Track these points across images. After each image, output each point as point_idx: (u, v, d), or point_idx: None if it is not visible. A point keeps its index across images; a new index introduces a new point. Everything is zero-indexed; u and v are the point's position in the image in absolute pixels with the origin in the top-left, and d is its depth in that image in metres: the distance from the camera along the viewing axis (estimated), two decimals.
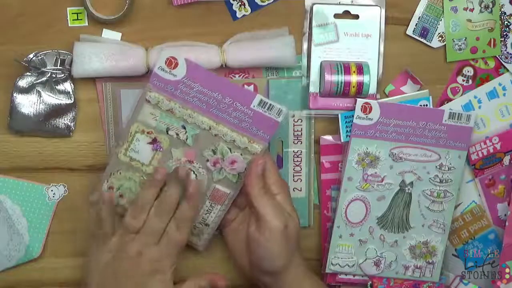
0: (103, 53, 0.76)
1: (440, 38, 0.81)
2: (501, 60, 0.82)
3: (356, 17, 0.80)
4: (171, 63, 0.74)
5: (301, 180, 0.83)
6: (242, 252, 0.78)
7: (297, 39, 0.79)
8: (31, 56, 0.77)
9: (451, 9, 0.81)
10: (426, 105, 0.81)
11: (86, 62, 0.76)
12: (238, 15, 0.79)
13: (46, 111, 0.79)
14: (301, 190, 0.83)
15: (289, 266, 0.75)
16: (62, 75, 0.78)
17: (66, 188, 0.81)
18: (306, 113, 0.81)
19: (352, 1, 0.80)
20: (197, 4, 0.78)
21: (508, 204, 0.81)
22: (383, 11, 0.80)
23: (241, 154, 0.76)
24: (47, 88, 0.78)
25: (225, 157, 0.76)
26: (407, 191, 0.81)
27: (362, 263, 0.83)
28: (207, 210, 0.78)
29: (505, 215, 0.82)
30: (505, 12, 0.82)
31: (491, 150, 0.82)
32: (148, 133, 0.76)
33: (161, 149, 0.76)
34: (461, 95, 0.83)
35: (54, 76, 0.77)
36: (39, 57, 0.77)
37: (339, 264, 0.82)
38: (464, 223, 0.84)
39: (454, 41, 0.81)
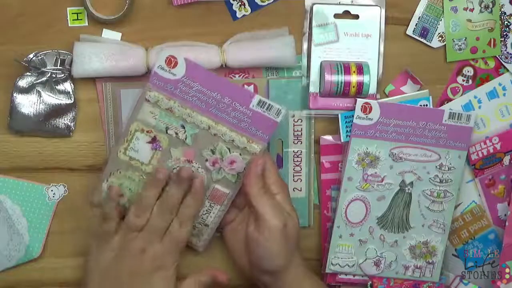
0: (103, 53, 0.76)
1: (440, 38, 0.81)
2: (501, 60, 0.82)
3: (356, 17, 0.80)
4: (171, 62, 0.74)
5: (301, 180, 0.83)
6: (241, 252, 0.78)
7: (297, 39, 0.79)
8: (31, 56, 0.77)
9: (451, 9, 0.81)
10: (426, 105, 0.81)
11: (86, 62, 0.76)
12: (238, 15, 0.80)
13: (46, 111, 0.79)
14: (301, 190, 0.83)
15: (289, 266, 0.75)
16: (62, 75, 0.78)
17: (66, 188, 0.81)
18: (306, 113, 0.81)
19: (352, 1, 0.80)
20: (197, 4, 0.78)
21: (508, 204, 0.81)
22: (383, 11, 0.80)
23: (240, 154, 0.76)
24: (47, 88, 0.78)
25: (224, 157, 0.76)
26: (407, 191, 0.81)
27: (362, 263, 0.83)
28: (206, 210, 0.78)
29: (505, 215, 0.82)
30: (505, 12, 0.82)
31: (491, 150, 0.82)
32: (147, 132, 0.76)
33: (161, 148, 0.76)
34: (461, 95, 0.83)
35: (54, 76, 0.77)
36: (39, 57, 0.77)
37: (339, 264, 0.82)
38: (464, 223, 0.84)
39: (454, 41, 0.81)
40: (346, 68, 0.78)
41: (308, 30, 0.80)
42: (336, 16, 0.80)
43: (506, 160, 0.82)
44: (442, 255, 0.83)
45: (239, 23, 0.80)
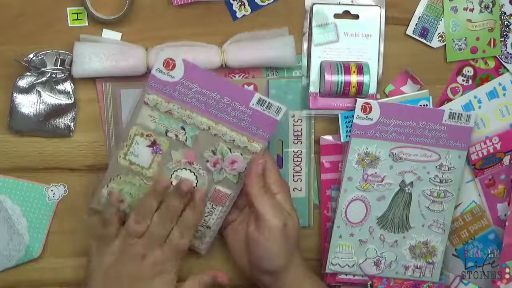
0: (103, 53, 0.76)
1: (440, 38, 0.81)
2: (501, 60, 0.82)
3: (356, 17, 0.80)
4: (169, 64, 0.74)
5: (301, 180, 0.83)
6: (241, 252, 0.78)
7: (297, 39, 0.79)
8: (31, 56, 0.77)
9: (451, 9, 0.81)
10: (426, 105, 0.81)
11: (86, 62, 0.76)
12: (238, 15, 0.79)
13: (46, 111, 0.79)
14: (301, 190, 0.83)
15: (289, 266, 0.75)
16: (62, 75, 0.78)
17: (66, 188, 0.81)
18: (306, 113, 0.81)
19: (352, 1, 0.80)
20: (197, 4, 0.78)
21: (508, 204, 0.81)
22: (383, 11, 0.80)
23: (241, 154, 0.76)
24: (47, 88, 0.78)
25: (225, 157, 0.76)
26: (407, 191, 0.81)
27: (362, 263, 0.83)
28: (208, 212, 0.78)
29: (505, 215, 0.82)
30: (505, 12, 0.82)
31: (491, 150, 0.82)
32: (147, 136, 0.76)
33: (161, 152, 0.76)
34: (461, 95, 0.83)
35: (54, 76, 0.77)
36: (39, 57, 0.77)
37: (339, 264, 0.82)
38: (464, 223, 0.84)
39: (454, 41, 0.81)
40: (346, 68, 0.78)
41: (308, 30, 0.80)
42: (336, 16, 0.80)
43: (506, 160, 0.82)
44: (442, 255, 0.83)
45: (239, 23, 0.80)
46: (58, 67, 0.77)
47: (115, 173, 0.76)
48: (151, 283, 0.73)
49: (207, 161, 0.76)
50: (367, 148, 0.80)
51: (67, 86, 0.78)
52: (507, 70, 0.83)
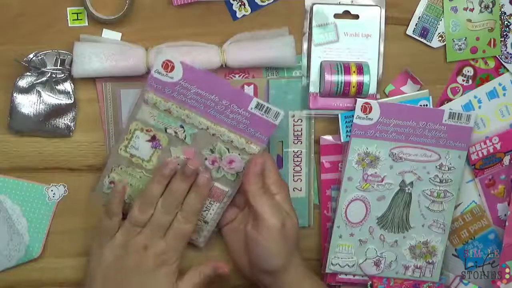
0: (103, 53, 0.76)
1: (440, 38, 0.81)
2: (501, 60, 0.82)
3: (356, 17, 0.80)
4: (168, 66, 0.74)
5: (301, 180, 0.83)
6: (241, 251, 0.78)
7: (297, 39, 0.79)
8: (31, 56, 0.77)
9: (451, 9, 0.81)
10: (426, 105, 0.81)
11: (86, 62, 0.76)
12: (238, 15, 0.79)
13: (46, 111, 0.79)
14: (301, 190, 0.83)
15: (288, 266, 0.75)
16: (62, 75, 0.78)
17: (66, 188, 0.81)
18: (306, 113, 0.81)
19: (352, 1, 0.80)
20: (197, 4, 0.78)
21: (508, 204, 0.81)
22: (383, 11, 0.80)
23: (239, 154, 0.76)
24: (47, 88, 0.78)
25: (223, 156, 0.76)
26: (407, 191, 0.81)
27: (362, 263, 0.83)
28: (205, 208, 0.78)
29: (505, 215, 0.82)
30: (505, 12, 0.82)
31: (491, 150, 0.82)
32: (147, 130, 0.76)
33: (161, 147, 0.76)
34: (461, 95, 0.83)
35: (54, 76, 0.77)
36: (39, 57, 0.77)
37: (339, 264, 0.82)
38: (464, 223, 0.84)
39: (454, 41, 0.81)
40: (346, 68, 0.78)
41: (308, 30, 0.80)
42: (336, 16, 0.80)
43: (506, 160, 0.82)
44: (442, 255, 0.83)
45: (239, 23, 0.80)
46: (58, 67, 0.77)
47: (116, 164, 0.77)
48: (153, 274, 0.73)
49: (206, 158, 0.76)
50: (367, 148, 0.80)
51: (67, 86, 0.78)
52: (507, 70, 0.83)
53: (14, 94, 0.78)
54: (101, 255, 0.74)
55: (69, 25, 0.78)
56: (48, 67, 0.77)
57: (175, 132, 0.76)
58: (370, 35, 0.80)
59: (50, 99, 0.78)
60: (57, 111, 0.79)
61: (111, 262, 0.74)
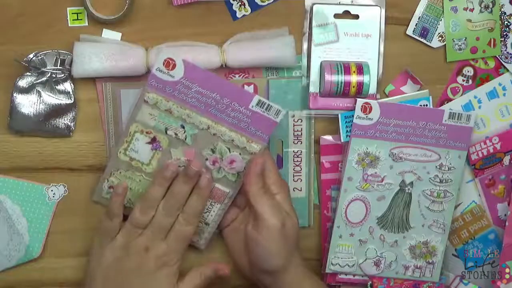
0: (103, 53, 0.76)
1: (440, 38, 0.81)
2: (501, 60, 0.82)
3: (356, 17, 0.80)
4: (169, 64, 0.74)
5: (301, 180, 0.83)
6: (241, 251, 0.78)
7: (297, 39, 0.79)
8: (31, 56, 0.77)
9: (451, 9, 0.81)
10: (426, 105, 0.81)
11: (86, 62, 0.76)
12: (238, 15, 0.79)
13: (46, 111, 0.79)
14: (301, 190, 0.83)
15: (288, 266, 0.75)
16: (62, 75, 0.78)
17: (66, 188, 0.81)
18: (306, 113, 0.81)
19: (352, 1, 0.80)
20: (197, 4, 0.78)
21: (508, 204, 0.81)
22: (383, 11, 0.80)
23: (239, 154, 0.76)
24: (47, 88, 0.78)
25: (224, 156, 0.76)
26: (407, 191, 0.81)
27: (362, 263, 0.83)
28: (206, 209, 0.78)
29: (505, 215, 0.82)
30: (505, 12, 0.82)
31: (491, 150, 0.82)
32: (147, 132, 0.76)
33: (161, 149, 0.76)
34: (461, 95, 0.83)
35: (54, 76, 0.77)
36: (39, 57, 0.77)
37: (339, 264, 0.82)
38: (464, 223, 0.84)
39: (454, 41, 0.81)
40: (346, 68, 0.78)
41: (308, 30, 0.80)
42: (336, 16, 0.80)
43: (506, 160, 0.82)
44: (442, 255, 0.83)
45: (239, 23, 0.80)
46: (58, 67, 0.77)
47: (115, 168, 0.77)
48: (154, 276, 0.73)
49: (206, 159, 0.76)
50: (367, 148, 0.80)
51: (67, 86, 0.78)
52: (507, 70, 0.83)
53: (14, 94, 0.78)
54: (101, 255, 0.74)
55: (69, 25, 0.78)
56: (48, 67, 0.77)
57: (176, 134, 0.76)
58: (370, 35, 0.80)
59: (50, 99, 0.78)
60: (57, 111, 0.79)
61: (111, 263, 0.74)
